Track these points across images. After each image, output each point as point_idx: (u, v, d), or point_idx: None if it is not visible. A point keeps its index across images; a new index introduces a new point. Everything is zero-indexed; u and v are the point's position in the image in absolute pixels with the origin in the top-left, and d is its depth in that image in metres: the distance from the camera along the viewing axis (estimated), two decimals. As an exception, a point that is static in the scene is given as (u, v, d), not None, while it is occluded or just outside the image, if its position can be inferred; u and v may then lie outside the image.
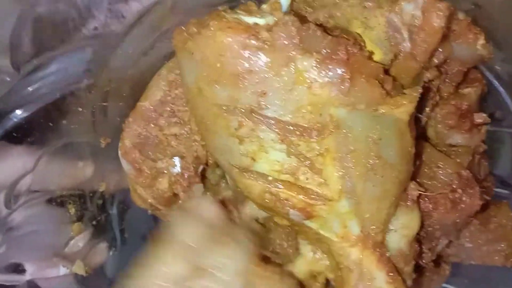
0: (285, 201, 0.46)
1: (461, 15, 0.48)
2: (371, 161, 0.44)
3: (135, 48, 0.46)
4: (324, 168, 0.44)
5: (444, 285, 0.70)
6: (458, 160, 0.56)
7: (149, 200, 0.57)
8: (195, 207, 0.51)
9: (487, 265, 0.65)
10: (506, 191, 0.66)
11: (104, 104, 0.50)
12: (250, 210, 0.57)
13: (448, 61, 0.52)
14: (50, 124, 0.45)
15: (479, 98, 0.58)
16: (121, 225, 0.62)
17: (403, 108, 0.43)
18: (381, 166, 0.44)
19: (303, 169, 0.44)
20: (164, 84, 0.52)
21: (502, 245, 0.62)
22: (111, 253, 0.61)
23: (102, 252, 0.60)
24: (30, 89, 0.41)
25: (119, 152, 0.54)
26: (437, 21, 0.40)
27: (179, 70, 0.49)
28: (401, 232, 0.49)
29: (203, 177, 0.60)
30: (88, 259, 0.58)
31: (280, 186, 0.46)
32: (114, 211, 0.61)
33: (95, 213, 0.57)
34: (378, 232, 0.47)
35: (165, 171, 0.56)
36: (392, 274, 0.47)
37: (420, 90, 0.43)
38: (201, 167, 0.58)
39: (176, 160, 0.56)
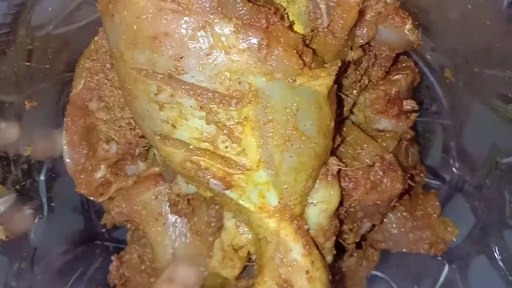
0: (205, 170, 0.46)
1: (388, -1, 0.49)
2: (288, 131, 0.44)
3: (56, 7, 0.46)
4: (244, 137, 0.44)
5: (373, 272, 0.72)
6: (386, 143, 0.57)
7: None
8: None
9: (413, 253, 0.66)
10: (436, 182, 0.68)
11: (27, 63, 0.49)
12: (179, 186, 0.57)
13: (375, 45, 0.53)
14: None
15: (410, 86, 0.59)
16: (49, 193, 0.61)
17: (321, 80, 0.43)
18: (298, 137, 0.44)
19: (223, 137, 0.44)
20: (84, 72, 0.54)
21: (427, 233, 0.64)
22: (36, 220, 0.60)
23: (26, 219, 0.59)
24: None
25: (64, 143, 0.56)
26: (354, -3, 0.41)
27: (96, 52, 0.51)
28: (320, 206, 0.49)
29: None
30: (10, 225, 0.56)
31: (200, 155, 0.46)
32: (41, 177, 0.60)
33: (19, 178, 0.56)
34: (296, 204, 0.47)
35: (102, 159, 0.58)
36: (308, 247, 0.47)
37: (339, 64, 0.44)
38: (137, 150, 0.59)
39: (112, 145, 0.58)
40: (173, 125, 0.45)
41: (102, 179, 0.60)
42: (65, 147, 0.57)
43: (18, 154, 0.56)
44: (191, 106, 0.44)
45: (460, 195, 0.64)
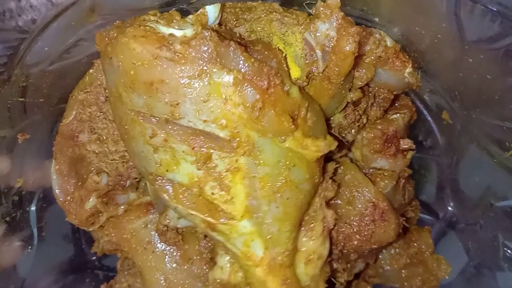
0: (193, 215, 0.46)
1: (389, 42, 0.49)
2: (278, 183, 0.44)
3: (52, 46, 0.45)
4: (233, 186, 0.44)
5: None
6: (385, 182, 0.57)
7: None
8: None
9: (406, 288, 0.66)
10: (430, 217, 0.68)
11: (21, 99, 0.48)
12: (169, 220, 0.57)
13: (375, 86, 0.53)
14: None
15: (407, 125, 0.59)
16: (40, 222, 0.60)
17: (310, 153, 0.43)
18: (288, 189, 0.44)
19: (212, 183, 0.44)
20: (76, 104, 0.53)
21: (420, 270, 0.64)
22: (26, 251, 0.59)
23: (15, 251, 0.58)
24: None
25: (52, 172, 0.56)
26: (348, 46, 0.41)
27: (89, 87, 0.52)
28: (313, 258, 0.49)
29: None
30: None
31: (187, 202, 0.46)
32: (32, 208, 0.59)
33: (9, 209, 0.55)
34: (284, 255, 0.47)
35: (93, 190, 0.57)
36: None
37: (333, 147, 0.44)
38: (128, 182, 0.58)
39: (103, 176, 0.57)
40: (166, 169, 0.45)
41: (92, 209, 0.59)
42: (54, 176, 0.57)
43: (9, 186, 0.55)
44: (183, 151, 0.43)
45: (454, 232, 0.64)
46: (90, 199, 0.58)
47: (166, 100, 0.41)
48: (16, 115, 0.50)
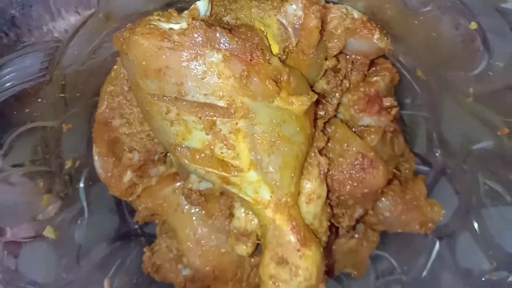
0: (209, 173, 0.56)
1: (356, 14, 0.57)
2: (273, 139, 0.53)
3: (81, 50, 0.57)
4: (237, 144, 0.54)
5: (376, 251, 0.80)
6: (371, 137, 0.65)
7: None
8: None
9: (408, 232, 0.74)
10: (425, 167, 0.75)
11: (62, 95, 0.60)
12: (191, 183, 0.68)
13: (350, 54, 0.61)
14: (15, 112, 0.55)
15: (389, 85, 0.67)
16: (88, 197, 0.72)
17: (296, 107, 0.52)
18: (283, 143, 0.54)
19: (220, 144, 0.54)
20: (106, 95, 0.64)
21: (417, 215, 0.71)
22: (79, 222, 0.71)
23: (71, 221, 0.71)
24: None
25: (94, 154, 0.67)
26: (313, 21, 0.50)
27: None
28: (313, 198, 0.58)
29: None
30: (58, 226, 0.68)
31: (203, 160, 0.56)
32: (81, 185, 0.71)
33: (62, 187, 0.68)
34: (287, 197, 0.56)
35: (128, 165, 0.68)
36: (299, 230, 0.56)
37: (313, 99, 0.53)
38: (156, 156, 0.70)
39: (135, 153, 0.68)
40: (182, 138, 0.55)
41: (129, 182, 0.70)
42: (96, 158, 0.68)
43: (59, 168, 0.67)
44: (193, 121, 0.53)
45: (445, 178, 0.71)
46: (127, 174, 0.69)
47: (172, 81, 0.51)
48: (60, 109, 0.62)
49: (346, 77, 0.62)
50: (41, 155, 0.63)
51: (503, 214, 0.60)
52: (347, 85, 0.63)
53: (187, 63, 0.50)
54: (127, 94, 0.64)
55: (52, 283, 0.66)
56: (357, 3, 0.56)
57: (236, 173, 0.55)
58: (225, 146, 0.54)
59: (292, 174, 0.55)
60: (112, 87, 0.64)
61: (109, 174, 0.69)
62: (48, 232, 0.66)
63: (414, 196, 0.71)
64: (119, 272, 0.76)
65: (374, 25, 0.58)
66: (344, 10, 0.56)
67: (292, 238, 0.56)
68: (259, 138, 0.53)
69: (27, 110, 0.57)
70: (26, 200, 0.65)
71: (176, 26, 0.50)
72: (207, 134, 0.54)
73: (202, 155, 0.56)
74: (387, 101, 0.65)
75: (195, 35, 0.50)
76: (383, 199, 0.71)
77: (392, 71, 0.66)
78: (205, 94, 0.52)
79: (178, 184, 0.71)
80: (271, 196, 0.56)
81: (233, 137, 0.54)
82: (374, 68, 0.66)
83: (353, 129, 0.66)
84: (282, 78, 0.52)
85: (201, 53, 0.50)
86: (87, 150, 0.70)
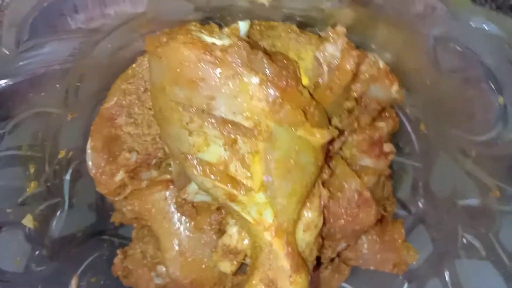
0: (217, 188, 0.57)
1: (381, 64, 0.61)
2: (289, 165, 0.55)
3: (113, 44, 0.55)
4: (252, 165, 0.55)
5: (344, 284, 0.82)
6: (366, 178, 0.68)
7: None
8: None
9: (379, 270, 0.77)
10: (404, 212, 0.79)
11: (78, 84, 0.58)
12: (188, 194, 0.67)
13: (367, 98, 0.64)
14: (30, 94, 0.53)
15: (391, 132, 0.71)
16: (72, 191, 0.69)
17: (316, 139, 0.54)
18: (296, 171, 0.55)
19: (236, 162, 0.55)
20: (118, 91, 0.63)
21: (392, 255, 0.75)
22: (58, 214, 0.68)
23: (50, 212, 0.67)
24: (20, 63, 0.49)
25: (88, 148, 0.65)
26: (349, 65, 0.53)
27: (148, 70, 0.60)
28: (310, 227, 0.60)
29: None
30: (38, 216, 0.65)
31: (215, 175, 0.56)
32: (67, 177, 0.69)
33: (50, 176, 0.65)
34: (288, 223, 0.57)
35: (123, 165, 0.67)
36: (294, 257, 0.57)
37: (334, 134, 0.56)
38: (153, 161, 0.69)
39: (133, 154, 0.67)
40: (198, 149, 0.55)
41: (120, 182, 0.69)
42: (89, 151, 0.66)
43: (52, 156, 0.64)
44: (215, 136, 0.54)
45: (422, 225, 0.75)
46: (119, 173, 0.68)
47: (204, 94, 0.52)
48: (71, 98, 0.60)
49: (357, 119, 0.65)
50: (39, 140, 0.60)
51: (477, 268, 0.64)
52: (355, 125, 0.66)
53: (224, 80, 0.51)
54: (141, 95, 0.63)
55: (21, 274, 0.63)
56: (384, 53, 0.60)
57: (244, 192, 0.56)
58: (240, 165, 0.55)
59: (298, 202, 0.57)
60: (127, 85, 0.63)
61: (100, 170, 0.67)
62: (27, 221, 0.64)
63: (393, 238, 0.75)
64: (89, 271, 0.73)
65: (395, 77, 0.62)
66: (372, 58, 0.59)
67: (286, 263, 0.57)
68: (275, 162, 0.55)
69: (42, 94, 0.54)
70: (13, 184, 0.61)
71: (218, 42, 0.51)
72: (226, 150, 0.54)
73: (214, 169, 0.56)
74: (387, 147, 0.68)
75: (238, 55, 0.50)
76: (363, 236, 0.74)
77: (395, 120, 0.70)
78: (233, 112, 0.52)
79: (169, 192, 0.70)
80: (273, 220, 0.57)
81: (250, 157, 0.55)
82: (380, 115, 0.69)
83: (352, 167, 0.68)
84: (308, 109, 0.54)
85: (239, 73, 0.51)
86: (83, 143, 0.68)
